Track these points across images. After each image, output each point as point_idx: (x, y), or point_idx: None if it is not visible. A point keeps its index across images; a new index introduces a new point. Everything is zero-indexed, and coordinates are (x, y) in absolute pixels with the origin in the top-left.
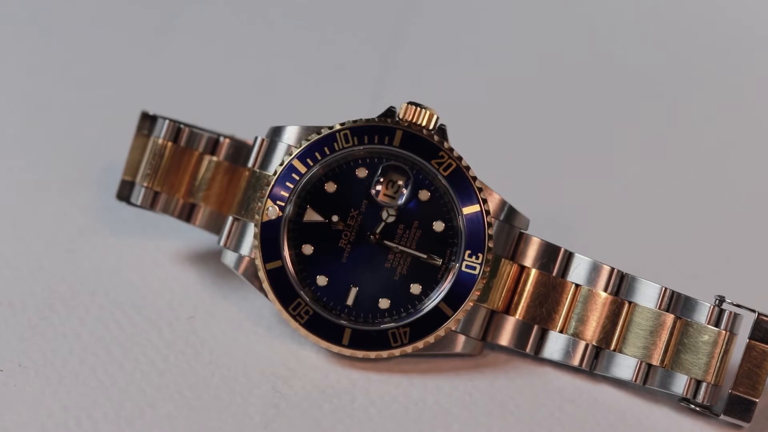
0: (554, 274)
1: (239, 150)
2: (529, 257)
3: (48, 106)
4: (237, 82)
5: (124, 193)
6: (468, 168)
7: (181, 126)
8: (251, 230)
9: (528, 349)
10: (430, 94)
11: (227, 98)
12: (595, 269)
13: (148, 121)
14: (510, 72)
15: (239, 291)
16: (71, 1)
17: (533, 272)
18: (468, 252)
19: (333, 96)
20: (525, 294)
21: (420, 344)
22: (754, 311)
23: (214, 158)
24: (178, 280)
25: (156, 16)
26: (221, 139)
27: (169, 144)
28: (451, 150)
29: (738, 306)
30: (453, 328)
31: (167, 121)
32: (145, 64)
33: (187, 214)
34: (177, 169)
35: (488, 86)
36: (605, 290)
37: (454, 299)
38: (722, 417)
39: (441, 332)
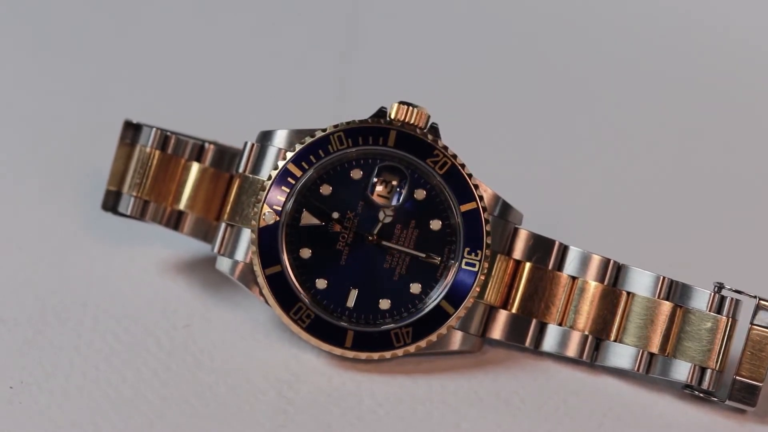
0: (550, 267)
1: (223, 155)
2: (525, 252)
3: (31, 115)
4: (199, 87)
5: (110, 203)
6: (463, 165)
7: (168, 134)
8: (246, 236)
9: (527, 343)
10: (410, 93)
11: (191, 103)
12: (591, 261)
13: (131, 130)
14: (494, 66)
15: (232, 297)
16: (52, 7)
17: (529, 266)
18: (467, 249)
19: (295, 98)
20: (521, 288)
21: (423, 343)
22: (754, 297)
23: (200, 165)
24: (169, 288)
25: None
26: (206, 145)
27: (157, 152)
28: (446, 148)
29: (737, 292)
30: (454, 326)
31: (154, 129)
32: (114, 71)
33: (174, 222)
34: (164, 177)
35: (462, 82)
36: (602, 281)
37: (455, 297)
38: (727, 402)
39: (443, 330)
